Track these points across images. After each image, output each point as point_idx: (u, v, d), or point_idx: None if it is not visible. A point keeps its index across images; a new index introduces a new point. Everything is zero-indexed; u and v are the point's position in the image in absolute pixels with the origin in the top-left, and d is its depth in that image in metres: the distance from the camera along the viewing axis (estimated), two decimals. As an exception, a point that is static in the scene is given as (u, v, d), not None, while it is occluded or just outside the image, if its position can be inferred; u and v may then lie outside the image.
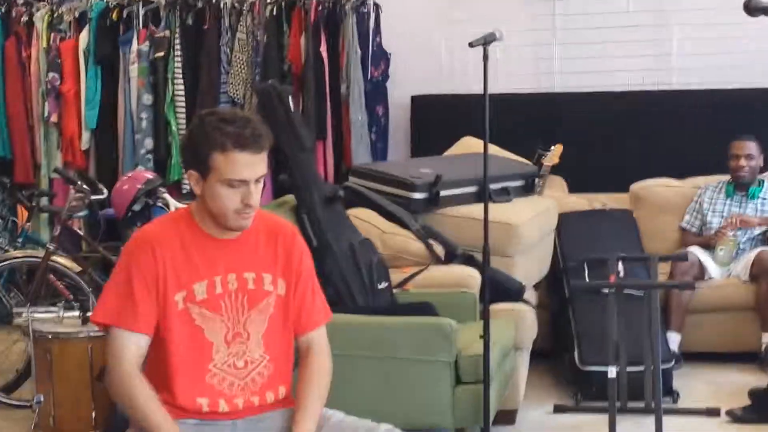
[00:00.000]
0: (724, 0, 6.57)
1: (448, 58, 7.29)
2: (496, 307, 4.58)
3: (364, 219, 5.19)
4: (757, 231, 6.02)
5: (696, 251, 5.93)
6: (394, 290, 4.91)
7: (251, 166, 2.80)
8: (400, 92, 7.40)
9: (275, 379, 2.92)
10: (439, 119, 7.19)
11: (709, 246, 6.02)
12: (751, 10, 3.79)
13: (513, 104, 6.85)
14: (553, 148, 6.24)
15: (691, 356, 5.75)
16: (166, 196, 5.93)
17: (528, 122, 6.89)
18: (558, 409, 5.15)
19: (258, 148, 2.78)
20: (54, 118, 7.27)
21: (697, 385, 5.43)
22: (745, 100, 6.79)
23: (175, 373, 2.84)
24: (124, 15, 7.22)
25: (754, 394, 4.89)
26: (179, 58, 7.15)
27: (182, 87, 7.19)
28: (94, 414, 4.85)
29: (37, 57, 7.30)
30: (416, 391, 4.29)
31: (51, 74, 7.20)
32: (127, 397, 2.79)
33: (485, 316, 4.23)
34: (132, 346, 2.81)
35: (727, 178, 6.12)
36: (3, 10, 7.44)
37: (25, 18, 7.34)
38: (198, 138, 2.82)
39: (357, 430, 2.98)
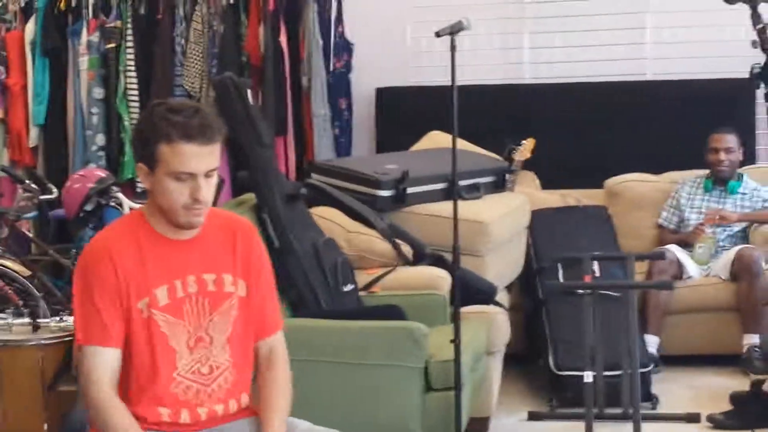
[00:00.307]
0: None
1: (414, 48, 7.29)
2: (467, 310, 4.60)
3: (328, 218, 5.19)
4: (737, 227, 6.05)
5: (674, 249, 5.97)
6: (360, 293, 4.93)
7: (199, 157, 2.77)
8: (364, 84, 7.39)
9: (237, 386, 2.91)
10: (406, 112, 7.18)
11: (687, 244, 6.08)
12: None
13: (482, 96, 6.91)
14: (524, 142, 6.24)
15: (670, 359, 5.80)
16: (120, 195, 5.92)
17: (498, 115, 6.90)
18: (533, 416, 5.21)
19: (206, 139, 2.76)
20: None
21: (676, 390, 5.48)
22: (724, 91, 6.84)
23: (135, 383, 2.85)
24: (73, 4, 7.15)
25: (735, 398, 4.93)
26: (131, 50, 7.10)
27: (135, 80, 7.14)
28: (46, 426, 4.63)
29: None
30: (385, 399, 4.28)
31: None
32: (103, 424, 2.81)
33: (456, 320, 4.26)
34: (106, 365, 2.83)
35: (705, 172, 6.19)
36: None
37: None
38: (145, 129, 2.82)
39: None
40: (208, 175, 2.78)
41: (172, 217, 2.81)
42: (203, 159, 2.77)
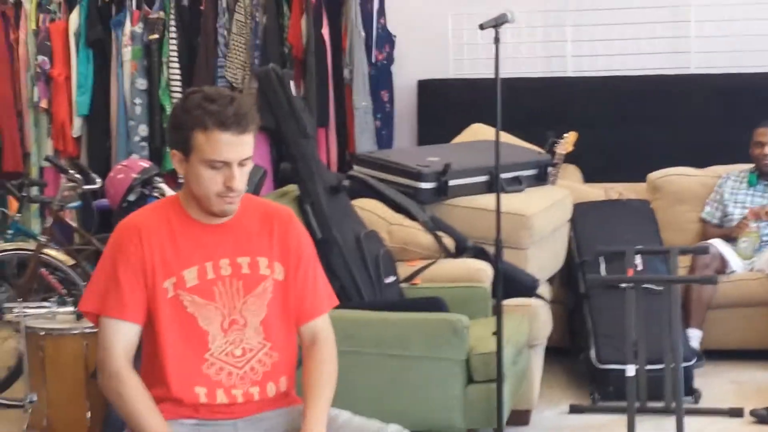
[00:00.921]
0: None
1: (456, 40, 7.40)
2: (509, 303, 4.62)
3: (370, 210, 5.23)
4: None
5: (717, 243, 5.95)
6: (402, 285, 4.97)
7: (234, 146, 2.79)
8: (405, 76, 7.47)
9: (278, 368, 2.91)
10: (447, 105, 7.25)
11: (731, 238, 6.05)
12: None
13: (524, 89, 7.03)
14: (566, 135, 6.35)
15: (712, 354, 5.78)
16: (163, 185, 5.78)
17: (540, 108, 7.02)
18: (574, 409, 5.21)
19: (241, 128, 2.79)
20: (44, 104, 7.33)
21: (719, 384, 5.46)
22: (766, 85, 6.85)
23: (169, 363, 2.86)
24: None
25: (779, 393, 4.84)
26: (174, 41, 7.15)
27: (178, 71, 7.20)
28: (89, 414, 4.81)
29: (26, 39, 7.41)
30: (426, 391, 4.35)
31: (40, 57, 7.28)
32: (116, 395, 2.83)
33: (498, 312, 4.29)
34: (120, 336, 2.84)
35: (749, 167, 6.20)
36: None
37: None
38: (180, 116, 2.82)
39: None
40: (242, 163, 2.81)
41: (206, 204, 2.83)
42: (237, 148, 2.80)
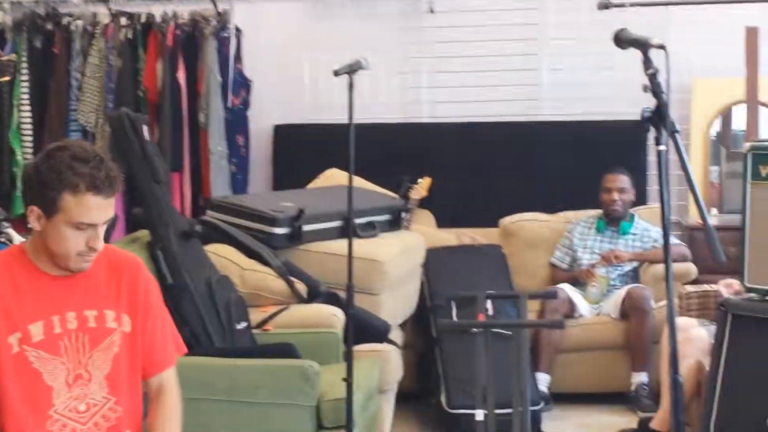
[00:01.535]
0: (592, 31, 6.85)
1: (313, 86, 7.36)
2: (360, 348, 4.63)
3: (223, 255, 5.20)
4: (628, 267, 6.12)
5: (566, 288, 6.04)
6: (254, 331, 4.94)
7: (102, 209, 2.80)
8: (262, 121, 7.44)
9: (122, 423, 2.89)
10: (303, 150, 7.22)
11: (579, 282, 6.13)
12: (620, 41, 3.71)
13: (379, 134, 6.98)
14: (420, 180, 6.37)
15: (560, 397, 5.83)
16: (10, 231, 5.45)
17: (396, 154, 6.99)
18: None
19: (111, 191, 2.79)
20: None
21: (566, 427, 5.53)
22: (617, 133, 6.93)
23: (11, 422, 2.79)
24: None
25: (624, 436, 4.94)
26: (26, 83, 7.06)
27: (29, 114, 7.08)
28: None
29: None
30: None
31: None
32: None
33: (348, 358, 4.31)
34: None
35: (598, 212, 6.27)
36: None
37: None
38: (46, 174, 2.78)
39: None
40: (104, 223, 2.81)
41: (62, 262, 2.81)
42: (105, 210, 2.79)
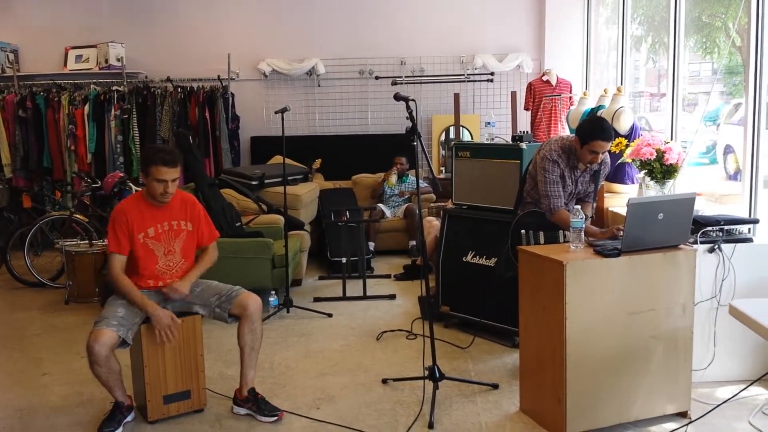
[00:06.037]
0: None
1: (268, 117, 10.05)
2: (291, 233, 6.10)
3: (228, 193, 6.77)
4: (406, 197, 8.46)
5: (380, 205, 8.14)
6: (243, 225, 6.20)
7: (169, 174, 3.73)
8: (245, 134, 10.03)
9: (187, 269, 3.96)
10: (264, 147, 9.68)
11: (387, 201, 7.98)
12: (397, 98, 4.30)
13: (297, 140, 9.53)
14: (317, 160, 8.90)
15: (379, 252, 7.82)
16: (130, 184, 7.61)
17: (305, 150, 9.27)
18: (322, 277, 7.09)
19: (174, 164, 3.73)
20: (73, 147, 9.41)
21: (382, 265, 7.37)
22: (394, 139, 9.28)
23: (140, 270, 3.83)
24: (107, 96, 9.51)
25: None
26: (135, 117, 9.42)
27: (137, 131, 9.47)
28: (97, 290, 6.38)
29: (64, 117, 9.49)
30: (255, 272, 5.68)
31: (70, 126, 9.43)
32: (117, 283, 3.73)
33: (285, 237, 5.75)
34: (118, 261, 3.79)
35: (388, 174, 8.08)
36: (46, 95, 9.55)
37: (56, 98, 9.53)
38: (146, 158, 3.76)
39: (221, 289, 3.97)
40: (173, 180, 3.71)
41: (156, 198, 3.70)
42: (172, 174, 3.70)
